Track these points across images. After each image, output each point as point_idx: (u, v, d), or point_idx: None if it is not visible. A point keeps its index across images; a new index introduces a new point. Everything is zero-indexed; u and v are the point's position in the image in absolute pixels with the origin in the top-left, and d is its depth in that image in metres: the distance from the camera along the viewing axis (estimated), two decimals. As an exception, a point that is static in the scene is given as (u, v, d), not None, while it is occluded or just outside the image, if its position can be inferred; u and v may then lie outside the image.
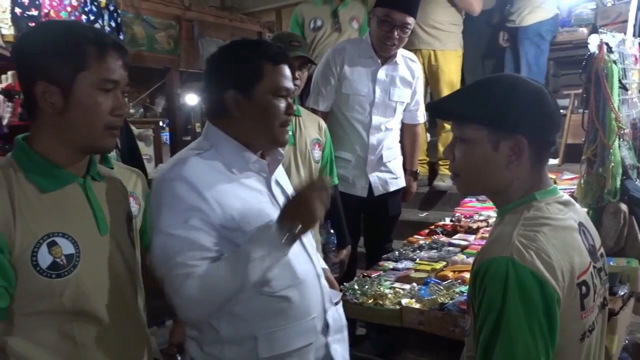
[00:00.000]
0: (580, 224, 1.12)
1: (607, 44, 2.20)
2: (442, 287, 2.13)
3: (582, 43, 2.28)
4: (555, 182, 3.19)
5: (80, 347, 1.15)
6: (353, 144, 2.74)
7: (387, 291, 2.17)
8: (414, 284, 2.21)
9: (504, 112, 1.08)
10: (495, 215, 1.22)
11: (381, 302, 2.10)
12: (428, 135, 4.32)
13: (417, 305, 2.03)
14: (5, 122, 3.20)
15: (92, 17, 3.43)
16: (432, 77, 3.93)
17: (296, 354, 1.39)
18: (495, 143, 1.08)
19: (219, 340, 1.35)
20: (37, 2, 3.15)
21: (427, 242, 2.78)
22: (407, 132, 2.96)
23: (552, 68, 4.26)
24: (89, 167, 1.22)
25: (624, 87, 2.28)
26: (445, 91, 3.79)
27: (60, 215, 1.13)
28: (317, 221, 1.31)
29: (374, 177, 2.78)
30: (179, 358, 1.87)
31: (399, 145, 2.91)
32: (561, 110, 4.13)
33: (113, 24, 3.60)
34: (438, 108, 1.36)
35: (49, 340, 1.12)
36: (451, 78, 3.91)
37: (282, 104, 1.40)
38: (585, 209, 2.32)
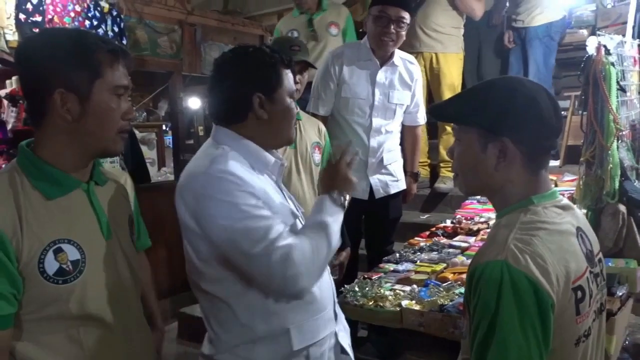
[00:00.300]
0: (579, 229, 1.13)
1: (604, 46, 2.21)
2: (442, 289, 2.15)
3: (582, 45, 2.29)
4: (556, 184, 3.20)
5: (87, 351, 1.17)
6: (353, 148, 2.75)
7: (387, 293, 2.18)
8: (414, 286, 2.23)
9: (490, 115, 1.10)
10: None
11: (381, 304, 2.12)
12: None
13: (417, 307, 2.04)
14: (9, 126, 3.23)
15: (95, 23, 3.46)
16: (433, 79, 3.95)
17: (319, 343, 1.47)
18: (484, 145, 1.10)
19: (252, 338, 1.39)
20: (41, 8, 3.18)
21: (428, 244, 2.79)
22: (408, 134, 2.98)
23: (554, 70, 4.27)
24: (92, 172, 1.24)
25: (622, 89, 2.29)
26: (447, 94, 3.81)
27: (65, 222, 1.15)
28: (354, 184, 1.53)
29: (375, 179, 2.80)
30: None
31: (400, 148, 2.93)
32: (562, 112, 4.16)
33: (116, 29, 3.62)
34: (437, 110, 1.40)
35: (56, 344, 1.14)
36: (452, 81, 3.92)
37: (294, 105, 1.51)
38: (584, 211, 2.33)
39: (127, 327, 1.25)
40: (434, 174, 4.12)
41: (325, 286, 1.51)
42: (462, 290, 2.06)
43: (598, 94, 2.19)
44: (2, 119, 3.24)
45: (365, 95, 2.72)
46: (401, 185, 2.91)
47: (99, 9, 3.48)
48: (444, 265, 2.45)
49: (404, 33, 2.67)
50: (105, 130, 1.18)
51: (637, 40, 2.77)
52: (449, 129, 3.77)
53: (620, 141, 2.29)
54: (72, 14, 3.33)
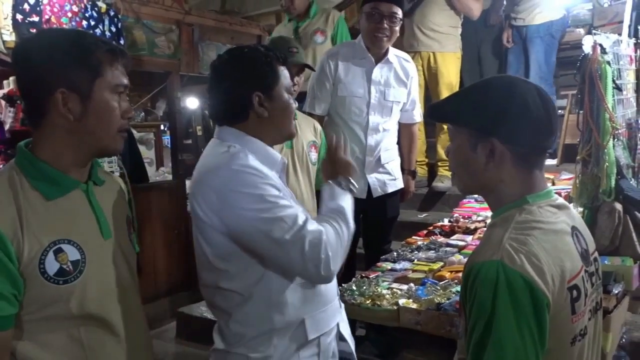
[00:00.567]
0: (574, 228, 1.13)
1: (600, 45, 2.21)
2: (439, 287, 2.16)
3: (579, 44, 2.29)
4: (553, 183, 3.21)
5: (88, 350, 1.17)
6: (351, 146, 2.77)
7: (384, 292, 2.19)
8: (412, 285, 2.24)
9: (479, 115, 1.11)
10: (493, 216, 1.24)
11: (379, 303, 2.12)
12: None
13: (414, 306, 2.05)
14: (7, 127, 3.23)
15: (92, 23, 3.45)
16: (431, 79, 3.96)
17: (330, 332, 1.55)
18: (474, 145, 1.11)
19: (270, 330, 1.43)
20: (38, 9, 3.17)
21: (425, 243, 2.80)
22: (404, 132, 2.99)
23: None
24: (90, 173, 1.25)
25: (617, 88, 2.29)
26: (444, 93, 3.82)
27: (65, 222, 1.15)
28: (354, 167, 1.65)
29: (373, 178, 2.81)
30: None
31: (397, 146, 2.93)
32: (559, 111, 4.14)
33: (113, 29, 3.62)
34: (432, 110, 1.41)
35: (57, 344, 1.14)
36: (450, 80, 3.93)
37: (292, 100, 1.55)
38: (581, 209, 2.34)
39: (127, 326, 1.26)
40: (432, 173, 4.13)
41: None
42: (459, 288, 2.07)
43: (594, 92, 2.20)
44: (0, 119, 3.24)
45: (362, 94, 2.73)
46: (399, 183, 2.92)
47: (96, 9, 3.48)
48: (441, 263, 2.46)
49: (397, 28, 2.68)
50: (106, 129, 1.19)
51: (633, 39, 2.78)
52: (446, 128, 3.78)
53: (616, 139, 2.30)
54: (70, 14, 3.32)
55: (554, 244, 1.06)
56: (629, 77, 2.64)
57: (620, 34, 2.69)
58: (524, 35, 4.16)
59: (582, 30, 3.99)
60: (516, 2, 4.18)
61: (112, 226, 1.26)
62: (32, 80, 1.16)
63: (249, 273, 1.40)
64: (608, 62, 2.22)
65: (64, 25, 3.26)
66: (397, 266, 2.51)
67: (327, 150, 1.68)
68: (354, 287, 2.25)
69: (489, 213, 3.22)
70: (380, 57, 2.74)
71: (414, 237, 2.97)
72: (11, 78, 3.33)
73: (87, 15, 3.43)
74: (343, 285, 2.26)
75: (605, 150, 2.21)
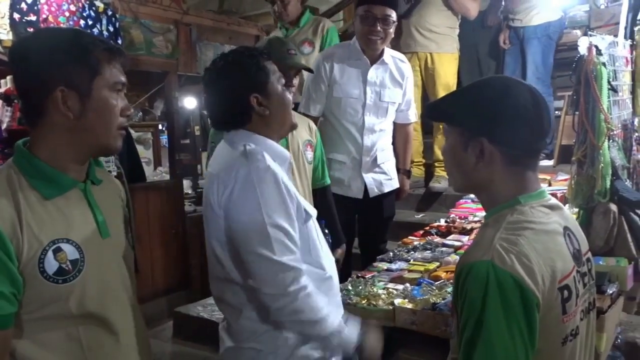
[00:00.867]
0: (566, 228, 1.14)
1: (596, 46, 2.22)
2: (434, 287, 2.16)
3: (576, 45, 2.30)
4: (549, 183, 3.22)
5: (87, 349, 1.17)
6: (348, 147, 2.78)
7: (380, 291, 2.20)
8: (407, 285, 2.24)
9: (470, 115, 1.12)
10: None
11: (374, 303, 2.13)
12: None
13: (410, 306, 2.06)
14: (4, 126, 3.23)
15: (90, 22, 3.46)
16: (428, 79, 3.96)
17: None
18: (465, 144, 1.13)
19: (281, 324, 1.48)
20: (35, 8, 3.18)
21: (422, 243, 2.80)
22: (400, 132, 3.00)
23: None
24: (88, 172, 1.25)
25: (613, 89, 2.30)
26: (441, 94, 3.81)
27: (63, 221, 1.16)
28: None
29: (369, 178, 2.82)
30: None
31: (392, 147, 2.94)
32: (556, 112, 4.14)
33: (111, 29, 3.63)
34: (429, 109, 1.45)
35: (56, 343, 1.15)
36: (447, 80, 3.93)
37: (287, 90, 1.59)
38: (576, 210, 2.35)
39: (125, 325, 1.26)
40: (429, 174, 4.14)
41: (336, 273, 1.63)
42: (454, 288, 2.08)
43: (589, 93, 2.20)
44: (-4, 118, 3.24)
45: (357, 95, 2.74)
46: (394, 183, 2.93)
47: (94, 8, 3.49)
48: (437, 264, 2.46)
49: (391, 30, 2.70)
50: (105, 127, 1.19)
51: (629, 40, 2.79)
52: (442, 128, 3.79)
53: (611, 141, 2.30)
54: (67, 14, 3.33)
55: (545, 244, 1.06)
56: (625, 79, 2.65)
57: (616, 36, 2.70)
58: (521, 37, 4.17)
59: (579, 32, 4.00)
60: (514, 3, 4.19)
61: (110, 225, 1.26)
62: (31, 79, 1.16)
63: None
64: (603, 64, 2.23)
65: (62, 25, 3.27)
66: (393, 266, 2.51)
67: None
68: (350, 287, 2.25)
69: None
70: (375, 58, 2.75)
71: (410, 237, 2.98)
72: (8, 77, 3.33)
73: (84, 14, 3.43)
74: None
75: (601, 151, 2.21)
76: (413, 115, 2.98)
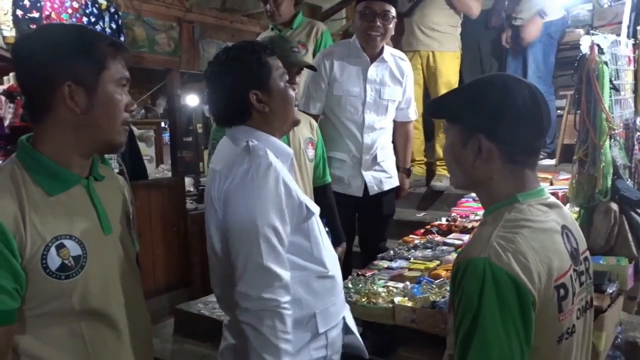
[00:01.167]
0: (564, 227, 1.14)
1: (598, 45, 2.22)
2: (434, 286, 2.17)
3: (579, 44, 2.30)
4: (551, 183, 3.21)
5: (89, 345, 1.18)
6: (348, 145, 2.78)
7: (380, 290, 2.20)
8: (407, 283, 2.24)
9: (469, 112, 1.13)
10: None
11: (374, 301, 2.13)
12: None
13: (410, 304, 2.06)
14: (6, 123, 3.24)
15: (93, 19, 3.47)
16: (430, 78, 3.96)
17: (337, 325, 1.58)
18: (464, 141, 1.13)
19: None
20: (38, 5, 3.19)
21: (422, 242, 2.81)
22: (400, 130, 3.00)
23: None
24: (91, 168, 1.25)
25: (615, 88, 2.29)
26: (443, 92, 3.79)
27: (66, 217, 1.16)
28: None
29: (369, 176, 2.82)
30: None
31: (392, 145, 2.94)
32: (558, 112, 4.12)
33: (114, 26, 3.63)
34: (430, 106, 1.45)
35: (59, 339, 1.15)
36: (449, 79, 3.93)
37: (289, 87, 1.56)
38: (577, 209, 2.35)
39: (128, 321, 1.26)
40: (431, 172, 4.14)
41: (338, 270, 1.62)
42: (454, 287, 2.08)
43: (591, 92, 2.20)
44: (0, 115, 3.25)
45: (357, 92, 2.74)
46: (394, 181, 2.93)
47: (96, 5, 3.49)
48: (438, 262, 2.47)
49: (391, 27, 2.70)
50: (111, 122, 1.20)
51: (632, 39, 2.78)
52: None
53: (613, 140, 2.30)
54: (70, 11, 3.34)
55: (543, 242, 1.07)
56: (627, 78, 2.64)
57: (619, 35, 2.69)
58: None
59: (581, 31, 3.98)
60: (517, 3, 4.17)
61: (113, 222, 1.26)
62: (37, 75, 1.15)
63: None
64: (605, 63, 2.23)
65: (64, 22, 3.27)
66: (394, 264, 2.51)
67: None
68: (350, 285, 2.26)
69: (486, 212, 3.21)
70: (375, 56, 2.75)
71: (411, 235, 2.98)
72: (11, 74, 3.34)
73: (87, 11, 3.44)
74: (339, 282, 2.27)
75: (602, 151, 2.21)
76: (413, 113, 2.98)
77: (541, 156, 3.94)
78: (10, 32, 3.12)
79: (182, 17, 4.31)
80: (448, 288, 2.10)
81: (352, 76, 2.74)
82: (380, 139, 2.82)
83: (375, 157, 2.82)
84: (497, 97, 1.11)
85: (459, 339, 1.01)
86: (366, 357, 1.72)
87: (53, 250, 1.11)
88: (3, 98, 3.30)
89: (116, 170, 2.11)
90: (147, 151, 6.02)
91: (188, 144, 6.02)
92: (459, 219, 3.10)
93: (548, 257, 1.05)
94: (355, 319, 2.26)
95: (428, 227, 3.06)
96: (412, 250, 2.69)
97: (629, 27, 2.81)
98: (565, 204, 2.55)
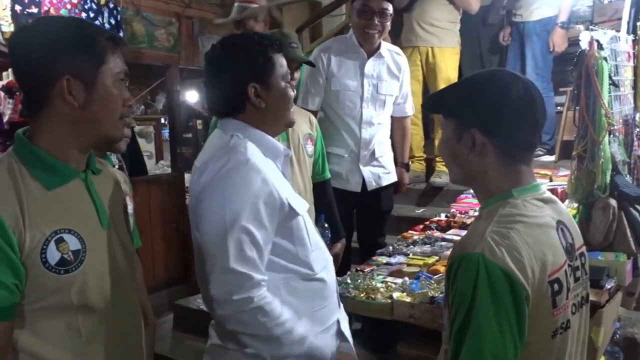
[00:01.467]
0: (559, 222, 1.14)
1: (597, 40, 2.21)
2: (433, 281, 2.17)
3: (578, 40, 2.29)
4: (551, 179, 3.21)
5: (85, 339, 1.17)
6: (346, 140, 2.78)
7: (379, 285, 2.20)
8: (406, 278, 2.24)
9: (463, 107, 1.13)
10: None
11: (373, 296, 2.13)
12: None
13: (408, 299, 2.06)
14: (6, 118, 3.24)
15: (92, 15, 3.46)
16: (429, 73, 3.95)
17: (329, 329, 1.52)
18: (459, 135, 1.14)
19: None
20: (37, 0, 3.18)
21: (421, 238, 2.81)
22: (397, 125, 3.01)
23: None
24: (88, 161, 1.24)
25: (614, 84, 2.29)
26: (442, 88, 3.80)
27: (65, 212, 1.15)
28: None
29: (367, 171, 2.82)
30: None
31: (390, 140, 2.95)
32: (558, 108, 4.10)
33: (113, 22, 3.63)
34: (427, 101, 1.46)
35: (56, 333, 1.14)
36: (448, 75, 3.92)
37: (289, 88, 1.52)
38: (576, 205, 2.35)
39: (122, 315, 1.26)
40: (430, 169, 4.14)
41: (331, 274, 1.56)
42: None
43: (590, 88, 2.19)
44: (-2, 110, 3.25)
45: (355, 87, 2.75)
46: (392, 177, 2.94)
47: (95, 1, 3.49)
48: (436, 258, 2.46)
49: (388, 24, 2.70)
50: (109, 117, 1.19)
51: (632, 35, 2.77)
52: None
53: (612, 136, 2.30)
54: (69, 6, 3.33)
55: (537, 237, 1.07)
56: (627, 74, 2.64)
57: (619, 31, 2.68)
58: (521, 32, 4.15)
59: (581, 27, 3.97)
60: None
61: (111, 215, 1.26)
62: (35, 68, 1.14)
63: None
64: (605, 58, 2.22)
65: (63, 17, 3.26)
66: (392, 260, 2.51)
67: None
68: (349, 280, 2.26)
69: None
70: (372, 51, 2.76)
71: (410, 231, 2.98)
72: (10, 70, 3.33)
73: (86, 7, 3.44)
74: (338, 278, 2.27)
75: (601, 146, 2.20)
76: (410, 108, 2.99)
77: (540, 152, 4.01)
78: (9, 28, 3.12)
79: (181, 13, 4.31)
80: (446, 283, 2.11)
81: (350, 71, 2.75)
82: (378, 134, 2.82)
83: (373, 153, 2.82)
84: (491, 92, 1.11)
85: (453, 333, 1.02)
86: None
87: (52, 244, 1.11)
88: (2, 94, 3.30)
89: (116, 167, 2.12)
90: (146, 147, 6.03)
91: (187, 140, 6.03)
92: (458, 215, 3.10)
93: (542, 252, 1.06)
94: (355, 314, 2.28)
95: (427, 223, 3.06)
96: (411, 246, 2.69)
97: (628, 23, 2.80)
98: (564, 200, 2.56)
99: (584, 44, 2.23)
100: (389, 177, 2.92)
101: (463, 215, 3.07)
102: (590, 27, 2.35)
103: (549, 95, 3.96)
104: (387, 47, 2.83)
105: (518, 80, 1.13)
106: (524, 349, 1.01)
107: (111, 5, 3.60)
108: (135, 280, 1.42)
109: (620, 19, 3.10)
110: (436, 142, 4.02)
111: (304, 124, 2.41)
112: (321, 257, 1.53)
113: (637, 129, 2.63)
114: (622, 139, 2.45)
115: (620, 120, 2.47)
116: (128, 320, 1.29)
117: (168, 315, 3.83)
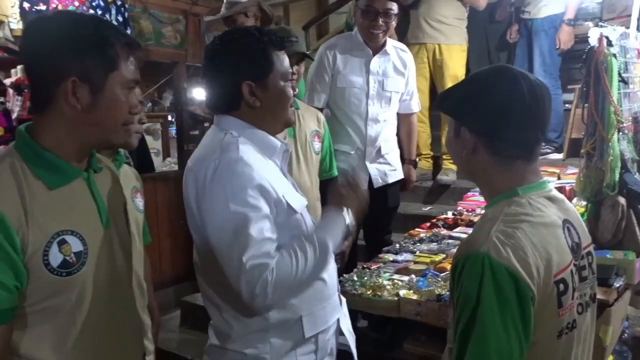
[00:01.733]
0: (566, 221, 1.13)
1: (607, 37, 2.19)
2: (439, 279, 2.16)
3: (587, 37, 2.27)
4: (559, 177, 3.20)
5: (82, 340, 1.16)
6: (352, 137, 2.78)
7: (385, 282, 2.20)
8: (413, 276, 2.24)
9: (457, 105, 1.14)
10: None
11: (379, 294, 2.13)
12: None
13: (415, 297, 2.06)
14: (14, 115, 3.26)
15: (99, 12, 3.47)
16: (436, 71, 3.95)
17: (328, 329, 1.51)
18: (457, 132, 1.15)
19: (266, 327, 1.40)
20: (45, -3, 3.20)
21: (428, 235, 2.80)
22: (403, 122, 3.00)
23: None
24: (89, 160, 1.22)
25: (623, 81, 2.27)
26: (449, 85, 3.77)
27: (68, 212, 1.13)
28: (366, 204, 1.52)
29: (374, 169, 2.82)
30: None
31: (396, 138, 2.94)
32: (566, 105, 4.08)
33: (120, 19, 3.63)
34: (437, 99, 1.45)
35: (54, 334, 1.13)
36: (455, 72, 3.91)
37: (289, 88, 1.47)
38: (584, 203, 2.33)
39: (120, 314, 1.26)
40: (437, 166, 4.13)
41: (332, 273, 1.53)
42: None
43: (599, 85, 2.18)
44: (7, 107, 3.27)
45: (360, 84, 2.75)
46: (398, 174, 2.93)
47: (103, -2, 3.49)
48: (443, 255, 2.46)
49: (393, 23, 2.71)
50: (111, 123, 1.15)
51: (642, 31, 2.75)
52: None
53: (621, 133, 2.28)
54: (77, 3, 3.34)
55: (542, 237, 1.06)
56: (637, 71, 2.61)
57: (629, 27, 2.66)
58: (529, 29, 4.14)
59: (590, 24, 3.95)
60: None
61: (112, 215, 1.24)
62: (44, 64, 1.11)
63: None
64: (614, 55, 2.20)
65: (73, 14, 3.27)
66: (399, 258, 2.51)
67: (343, 180, 1.55)
68: (355, 278, 2.26)
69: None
70: (377, 48, 2.76)
71: (416, 229, 2.97)
72: (19, 67, 3.36)
73: (94, 4, 3.44)
74: (344, 275, 2.27)
75: (610, 144, 2.19)
76: (416, 105, 2.98)
77: (548, 150, 3.99)
78: (17, 25, 3.14)
79: (189, 10, 4.31)
80: (452, 281, 2.11)
81: (355, 68, 2.74)
82: (384, 132, 2.82)
83: (379, 150, 2.82)
84: (483, 91, 1.11)
85: (458, 333, 1.01)
86: None
87: (55, 246, 1.09)
88: (11, 91, 3.32)
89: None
90: (153, 144, 6.04)
91: (195, 137, 6.03)
92: (465, 212, 3.09)
93: (548, 252, 1.05)
94: (360, 312, 2.28)
95: (434, 220, 3.06)
96: (418, 244, 2.68)
97: (638, 19, 2.78)
98: (572, 198, 2.54)
99: (593, 41, 2.21)
100: (395, 174, 2.91)
101: (470, 213, 3.06)
102: (600, 23, 2.33)
103: (557, 93, 3.94)
104: (392, 44, 2.83)
105: (521, 79, 1.11)
106: (529, 349, 1.00)
107: (119, 3, 3.60)
108: (135, 278, 1.42)
109: (629, 15, 3.07)
110: (443, 140, 4.01)
111: (311, 121, 2.41)
112: None
113: (647, 127, 2.60)
114: (632, 136, 2.42)
115: (630, 118, 2.45)
116: (125, 317, 1.28)
117: (175, 311, 3.85)
